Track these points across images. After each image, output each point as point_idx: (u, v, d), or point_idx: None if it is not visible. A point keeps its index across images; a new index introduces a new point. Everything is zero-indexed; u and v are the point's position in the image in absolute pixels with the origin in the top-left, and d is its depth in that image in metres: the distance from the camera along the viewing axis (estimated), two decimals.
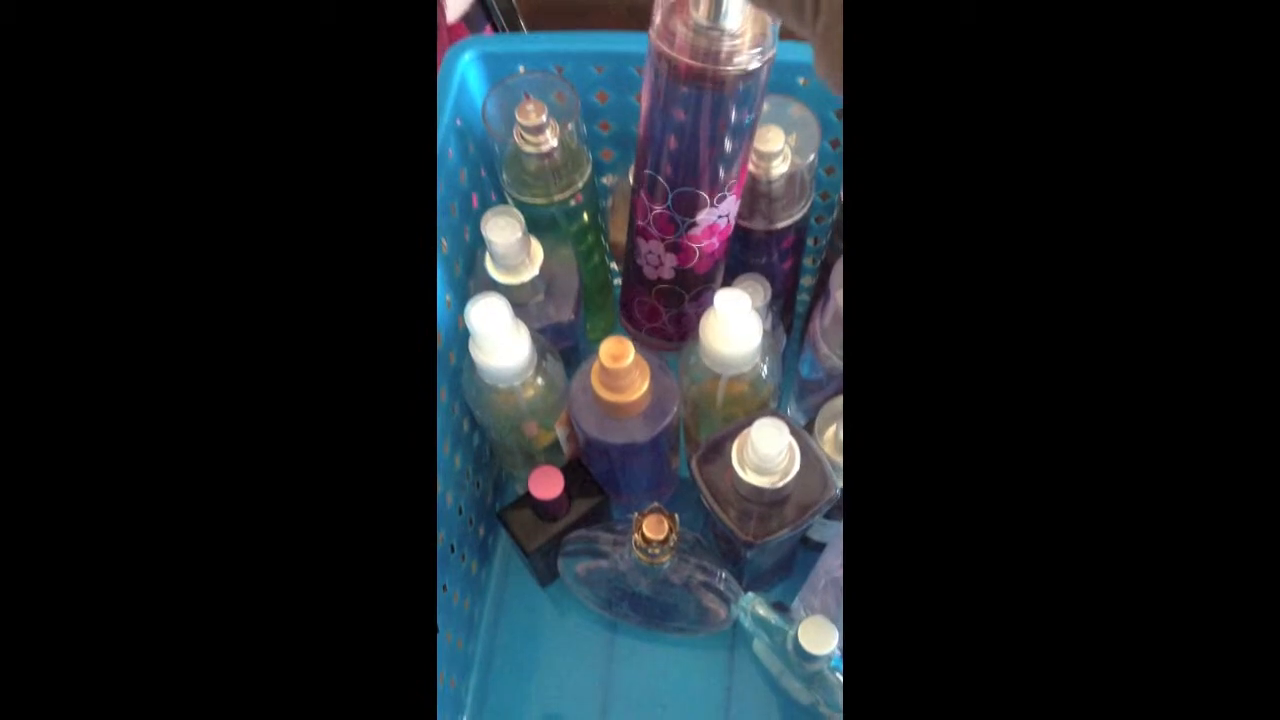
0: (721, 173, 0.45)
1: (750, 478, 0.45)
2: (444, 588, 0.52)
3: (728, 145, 0.43)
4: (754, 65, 0.40)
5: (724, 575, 0.52)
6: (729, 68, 0.39)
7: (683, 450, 0.60)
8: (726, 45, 0.39)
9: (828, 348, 0.51)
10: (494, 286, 0.50)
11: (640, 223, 0.49)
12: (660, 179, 0.45)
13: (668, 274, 0.52)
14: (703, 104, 0.41)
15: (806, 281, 0.65)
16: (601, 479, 0.55)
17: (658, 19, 0.40)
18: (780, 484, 0.45)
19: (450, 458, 0.53)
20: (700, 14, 0.38)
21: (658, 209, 0.47)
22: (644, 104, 0.44)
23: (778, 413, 0.48)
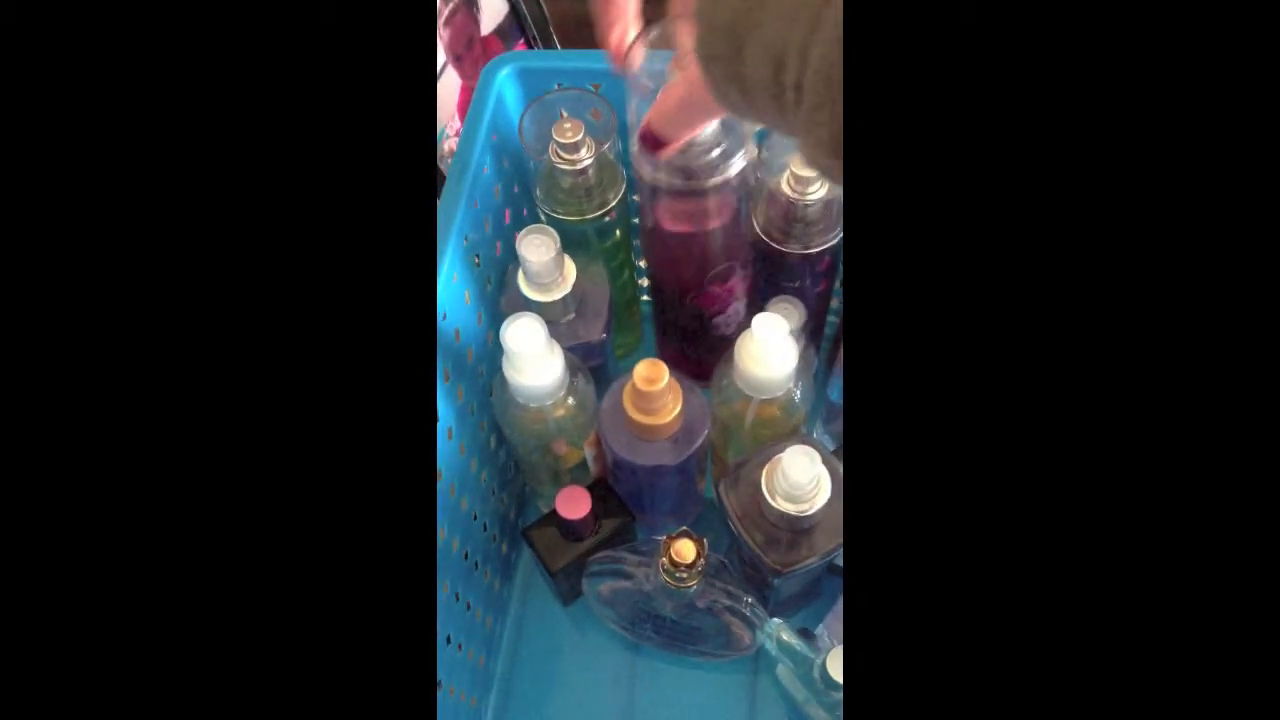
0: None
1: (780, 505, 0.45)
2: (467, 605, 0.52)
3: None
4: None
5: (750, 600, 0.52)
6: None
7: (709, 472, 0.60)
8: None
9: None
10: (526, 303, 0.50)
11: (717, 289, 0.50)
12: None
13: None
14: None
15: (835, 304, 0.65)
16: (628, 499, 0.55)
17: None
18: (809, 511, 0.45)
19: (476, 473, 0.52)
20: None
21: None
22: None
23: (808, 439, 0.47)
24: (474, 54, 0.71)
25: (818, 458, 0.44)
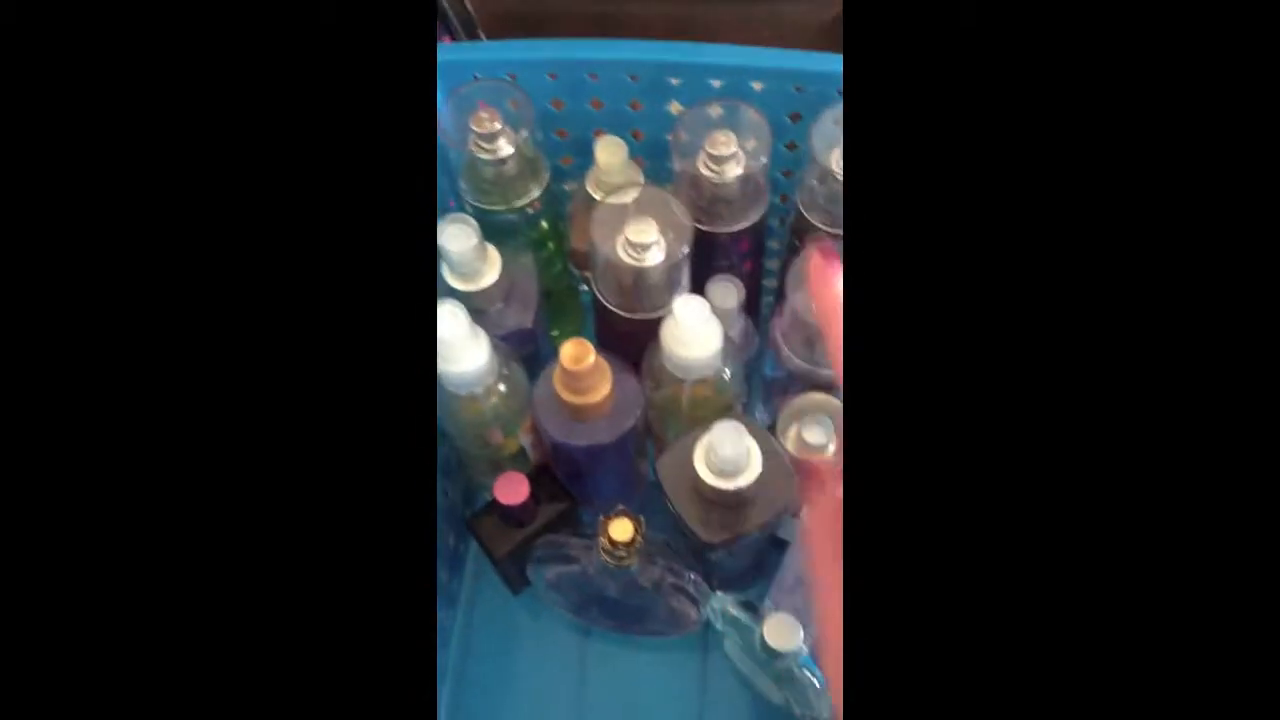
0: None
1: (712, 480, 0.45)
2: None
3: None
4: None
5: (693, 577, 0.52)
6: None
7: (651, 455, 0.60)
8: None
9: (787, 349, 0.52)
10: (452, 294, 0.50)
11: None
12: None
13: None
14: None
15: (771, 284, 0.66)
16: (569, 484, 0.55)
17: None
18: (742, 485, 0.45)
19: None
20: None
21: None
22: None
23: (739, 415, 0.48)
24: None
25: (744, 432, 0.45)
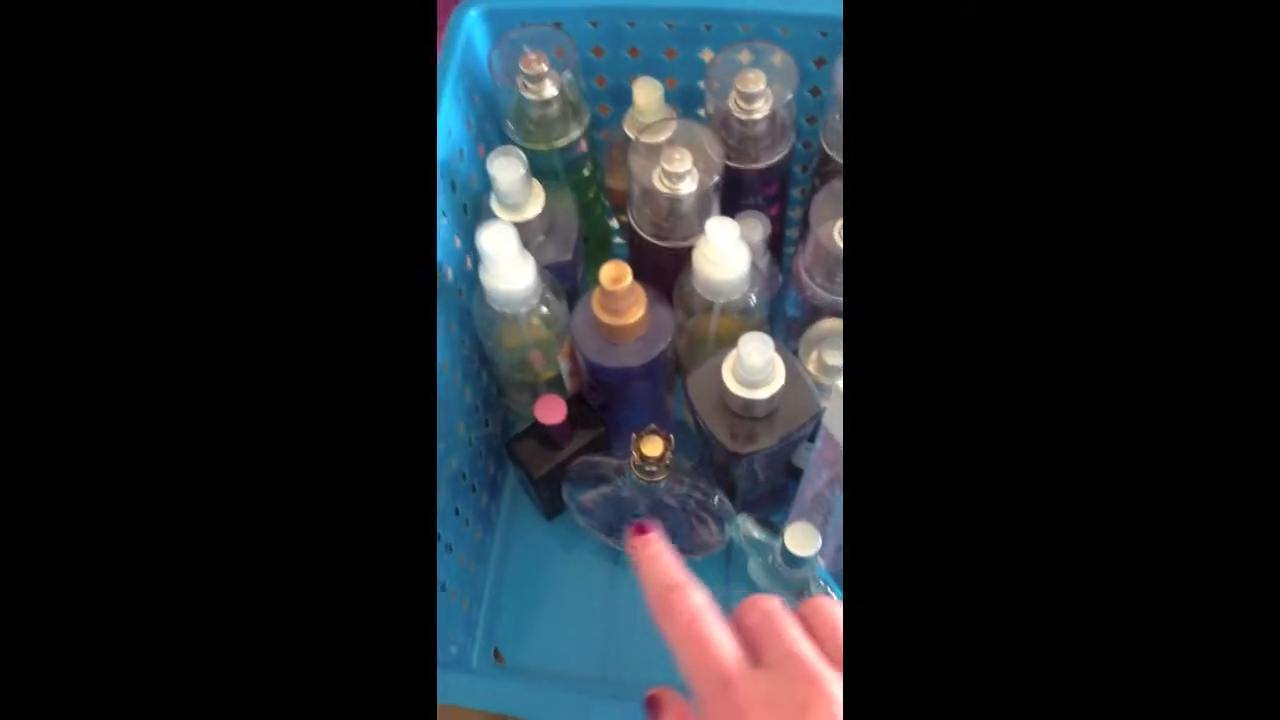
0: None
1: (739, 390, 0.49)
2: (457, 511, 0.56)
3: None
4: None
5: (719, 496, 0.56)
6: None
7: (679, 392, 0.64)
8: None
9: (810, 280, 0.55)
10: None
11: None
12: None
13: None
14: None
15: (793, 235, 0.69)
16: (602, 412, 0.59)
17: None
18: (767, 395, 0.48)
19: (460, 392, 0.56)
20: None
21: None
22: None
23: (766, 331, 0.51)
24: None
25: (771, 344, 0.48)
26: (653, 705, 0.32)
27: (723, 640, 0.29)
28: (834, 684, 0.26)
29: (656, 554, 0.31)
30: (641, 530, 0.32)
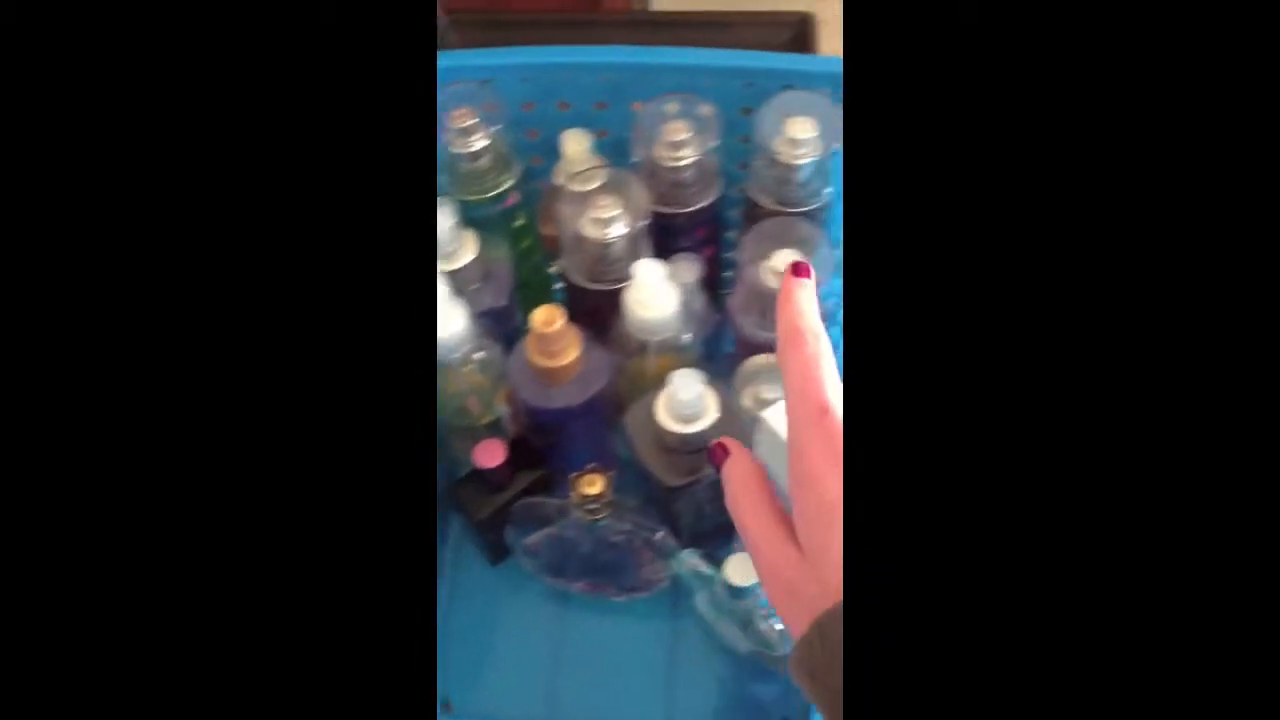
0: None
1: (672, 425, 0.50)
2: None
3: None
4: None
5: (662, 533, 0.56)
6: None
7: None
8: None
9: (743, 320, 0.57)
10: None
11: None
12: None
13: None
14: None
15: (729, 276, 0.71)
16: (546, 454, 0.59)
17: None
18: (700, 429, 0.50)
19: None
20: None
21: None
22: None
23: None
24: None
25: (700, 379, 0.49)
26: (718, 451, 0.35)
27: (830, 379, 0.30)
28: None
29: (800, 299, 0.32)
30: (799, 271, 0.33)
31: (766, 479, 0.33)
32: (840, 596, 0.27)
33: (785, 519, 0.31)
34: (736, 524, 0.33)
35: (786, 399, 0.31)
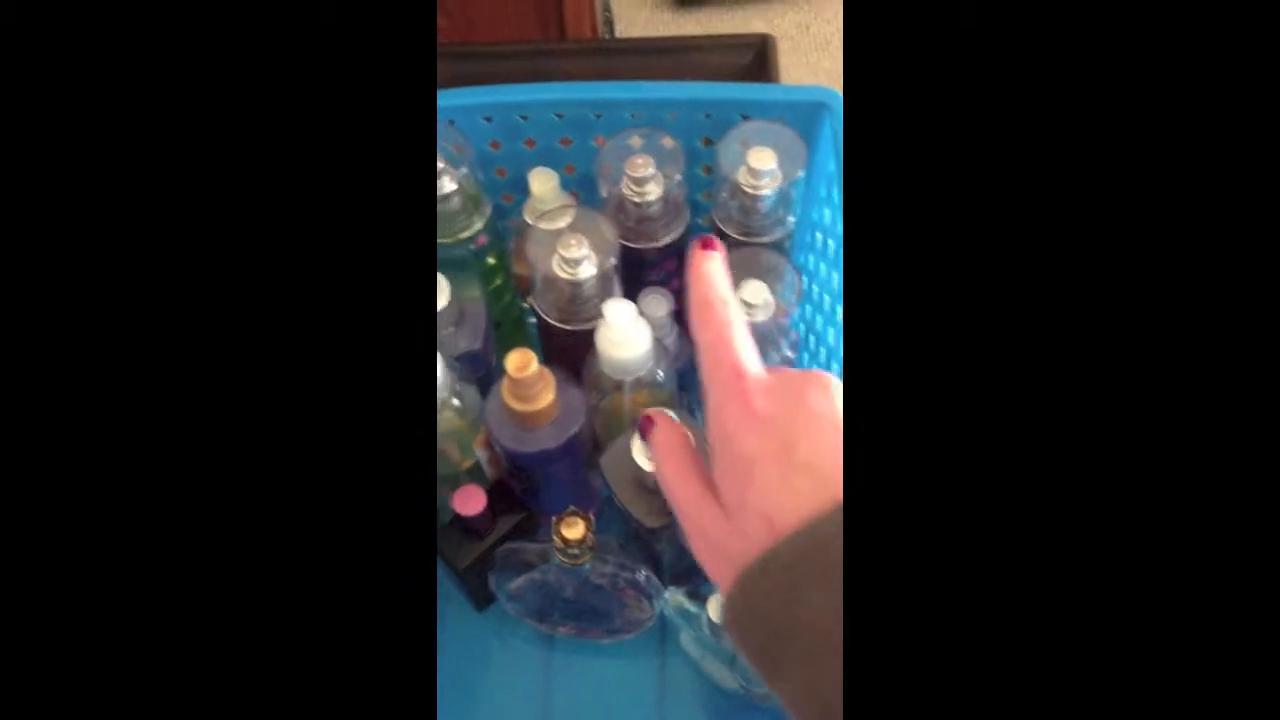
0: None
1: (649, 466, 0.49)
2: None
3: None
4: None
5: (645, 573, 0.56)
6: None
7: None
8: None
9: None
10: None
11: None
12: None
13: None
14: None
15: None
16: (526, 498, 0.59)
17: None
18: None
19: None
20: None
21: None
22: None
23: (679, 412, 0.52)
24: None
25: (675, 417, 0.49)
26: (646, 424, 0.36)
27: (744, 346, 0.32)
28: (832, 375, 0.30)
29: (708, 271, 0.33)
30: (707, 245, 0.34)
31: (692, 446, 0.34)
32: (760, 551, 0.28)
33: (711, 483, 0.32)
34: (664, 491, 0.34)
35: (702, 365, 0.32)
